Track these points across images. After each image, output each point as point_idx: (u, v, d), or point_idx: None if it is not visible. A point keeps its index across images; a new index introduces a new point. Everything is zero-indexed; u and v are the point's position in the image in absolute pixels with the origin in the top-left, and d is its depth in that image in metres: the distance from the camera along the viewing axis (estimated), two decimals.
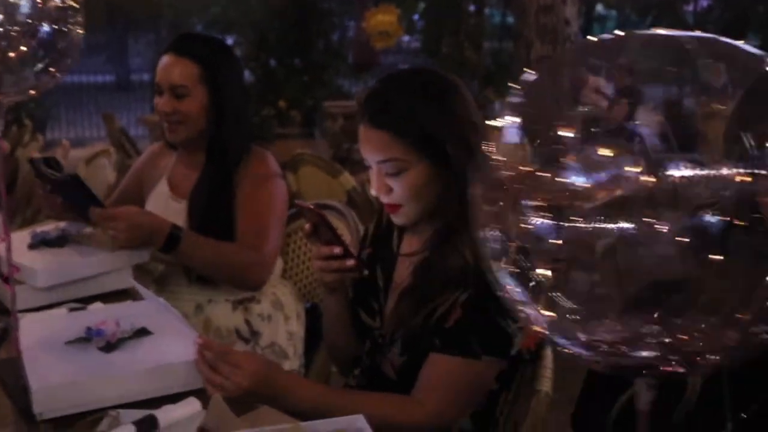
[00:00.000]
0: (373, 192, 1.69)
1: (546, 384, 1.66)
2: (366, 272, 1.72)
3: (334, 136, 6.62)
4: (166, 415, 1.45)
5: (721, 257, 0.75)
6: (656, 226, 0.75)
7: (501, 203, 0.83)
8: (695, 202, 0.75)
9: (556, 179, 0.78)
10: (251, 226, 2.29)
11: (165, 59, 2.36)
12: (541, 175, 0.79)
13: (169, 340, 1.67)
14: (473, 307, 1.60)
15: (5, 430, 1.55)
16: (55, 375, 1.55)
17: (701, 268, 0.76)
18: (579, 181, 0.77)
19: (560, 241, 0.79)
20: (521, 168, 0.81)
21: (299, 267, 2.74)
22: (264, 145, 2.62)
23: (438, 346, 1.62)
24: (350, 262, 1.67)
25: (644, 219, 0.75)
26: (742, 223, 0.75)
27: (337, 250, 1.66)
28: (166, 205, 2.46)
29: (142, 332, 1.69)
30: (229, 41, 7.30)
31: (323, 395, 1.59)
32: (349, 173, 4.36)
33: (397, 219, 1.71)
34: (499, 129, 0.84)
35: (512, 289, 0.84)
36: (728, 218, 0.75)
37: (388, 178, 1.64)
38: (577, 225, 0.77)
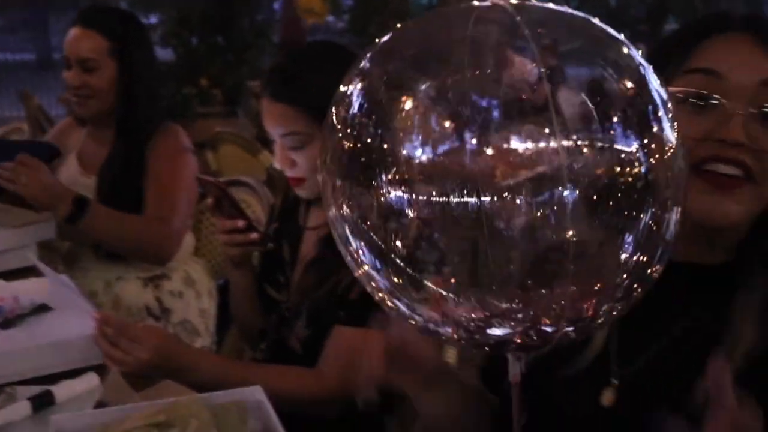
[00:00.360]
0: (276, 166, 1.69)
1: (451, 354, 1.68)
2: (271, 246, 1.72)
3: (257, 116, 6.47)
4: (63, 390, 1.44)
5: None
6: (514, 199, 0.74)
7: (356, 177, 0.80)
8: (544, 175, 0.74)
9: (399, 152, 0.76)
10: (160, 199, 2.27)
11: (73, 32, 2.33)
12: (386, 148, 0.77)
13: (68, 316, 1.65)
14: None
15: None
16: None
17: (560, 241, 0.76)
18: (421, 152, 0.76)
19: (416, 215, 0.77)
20: (362, 141, 0.79)
21: (212, 244, 2.71)
22: (185, 124, 2.60)
23: (342, 318, 1.63)
24: (254, 236, 1.67)
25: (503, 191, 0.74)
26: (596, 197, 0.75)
27: (241, 223, 1.66)
28: (74, 181, 2.42)
29: (42, 308, 1.67)
30: (153, 19, 7.15)
31: (225, 368, 1.59)
32: (270, 152, 4.32)
33: (302, 192, 1.71)
34: (346, 97, 0.81)
35: (369, 267, 0.82)
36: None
37: (292, 152, 1.64)
38: (438, 199, 0.76)
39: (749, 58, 1.01)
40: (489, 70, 0.77)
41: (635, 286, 0.80)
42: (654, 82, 0.79)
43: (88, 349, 1.55)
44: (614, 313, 0.81)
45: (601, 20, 0.84)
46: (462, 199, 0.75)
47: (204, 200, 2.60)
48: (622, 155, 0.75)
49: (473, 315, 0.80)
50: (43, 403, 1.40)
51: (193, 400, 1.27)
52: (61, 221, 2.20)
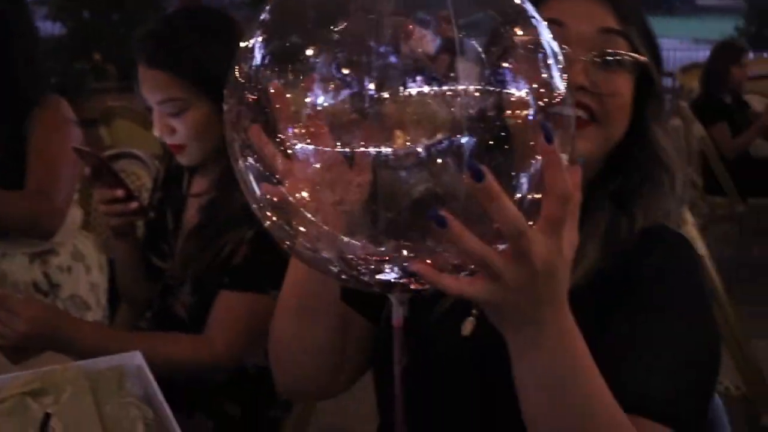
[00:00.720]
0: (156, 133, 1.68)
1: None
2: (152, 215, 1.72)
3: None
4: None
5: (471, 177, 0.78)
6: (409, 146, 0.77)
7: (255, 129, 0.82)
8: (441, 122, 0.77)
9: (304, 99, 0.78)
10: (42, 172, 2.22)
11: None
12: (288, 97, 0.79)
13: None
14: (259, 244, 1.62)
15: None
16: None
17: (452, 188, 0.78)
18: (320, 100, 0.78)
19: (318, 165, 0.79)
20: (270, 90, 0.80)
21: (103, 218, 2.68)
22: (78, 99, 2.55)
23: (226, 283, 1.64)
24: (133, 205, 1.67)
25: (398, 140, 0.77)
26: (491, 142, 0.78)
27: (119, 193, 1.65)
28: None
29: None
30: None
31: (107, 337, 1.59)
32: None
33: (182, 159, 1.71)
34: (248, 51, 0.83)
35: (269, 214, 0.85)
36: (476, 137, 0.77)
37: (170, 119, 1.64)
38: (337, 150, 0.78)
39: (587, 10, 1.11)
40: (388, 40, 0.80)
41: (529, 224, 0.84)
42: (546, 35, 0.84)
43: None
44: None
45: None
46: (363, 149, 0.78)
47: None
48: (512, 98, 0.79)
49: (364, 255, 0.82)
50: None
51: (69, 368, 1.26)
52: None
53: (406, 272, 0.83)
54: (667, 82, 12.51)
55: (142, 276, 1.86)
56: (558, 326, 0.85)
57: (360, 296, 1.09)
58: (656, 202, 1.13)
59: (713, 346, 1.09)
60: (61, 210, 2.27)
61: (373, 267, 0.84)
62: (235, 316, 1.63)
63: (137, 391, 1.27)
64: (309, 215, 0.83)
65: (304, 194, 0.83)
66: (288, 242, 0.86)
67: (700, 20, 31.82)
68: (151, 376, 1.28)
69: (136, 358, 1.34)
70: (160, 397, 1.22)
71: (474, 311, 1.13)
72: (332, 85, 0.78)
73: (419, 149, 0.77)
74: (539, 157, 0.80)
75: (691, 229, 2.15)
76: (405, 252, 0.82)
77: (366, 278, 0.85)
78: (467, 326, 1.14)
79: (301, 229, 0.84)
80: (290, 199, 0.83)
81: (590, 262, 1.07)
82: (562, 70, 0.84)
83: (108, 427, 1.14)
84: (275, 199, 0.84)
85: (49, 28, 6.88)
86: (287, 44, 0.82)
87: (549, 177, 0.78)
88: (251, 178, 0.85)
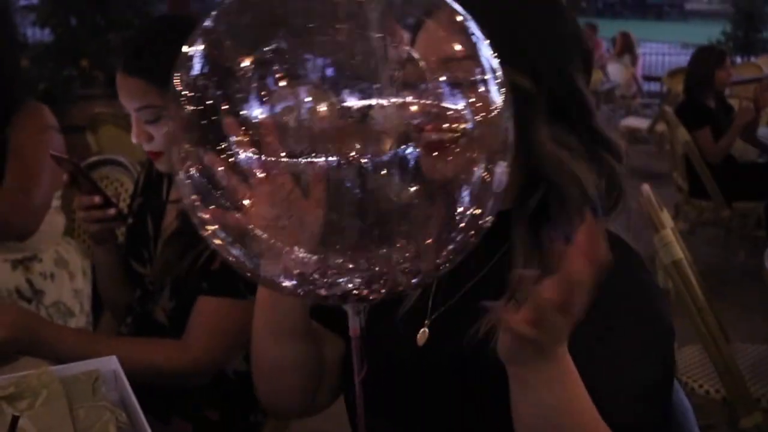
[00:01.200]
0: (133, 140, 1.69)
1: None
2: (130, 220, 1.73)
3: None
4: None
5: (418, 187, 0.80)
6: (357, 158, 0.78)
7: (202, 140, 0.82)
8: (384, 133, 0.78)
9: (239, 112, 0.78)
10: (19, 174, 2.21)
11: None
12: (225, 108, 0.79)
13: None
14: None
15: None
16: None
17: (403, 198, 0.80)
18: (257, 113, 0.78)
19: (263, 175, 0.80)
20: (206, 102, 0.80)
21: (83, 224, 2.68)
22: (65, 106, 2.55)
23: (205, 288, 1.65)
24: (111, 211, 1.68)
25: (347, 152, 0.77)
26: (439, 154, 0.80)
27: (97, 199, 1.66)
28: None
29: None
30: (33, 0, 6.93)
31: (86, 342, 1.60)
32: None
33: (160, 166, 1.72)
34: (189, 59, 0.84)
35: (212, 227, 0.85)
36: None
37: (147, 126, 1.65)
38: (284, 160, 0.78)
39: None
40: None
41: (470, 235, 0.86)
42: (485, 51, 0.85)
43: None
44: (449, 263, 0.86)
45: None
46: (309, 160, 0.78)
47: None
48: (449, 112, 0.81)
49: (316, 269, 0.83)
50: None
51: (45, 372, 1.27)
52: None
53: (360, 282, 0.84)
54: (656, 86, 12.60)
55: (122, 281, 1.87)
56: (566, 360, 0.89)
57: (330, 312, 1.09)
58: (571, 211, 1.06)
59: (665, 349, 1.06)
60: (38, 210, 2.26)
61: (327, 280, 0.84)
62: (214, 321, 1.64)
63: (112, 396, 1.28)
64: (259, 232, 0.83)
65: (257, 210, 0.82)
66: (232, 258, 0.86)
67: (688, 25, 31.96)
68: (126, 381, 1.29)
69: (111, 363, 1.34)
70: (135, 401, 1.23)
71: (426, 321, 1.15)
72: (271, 95, 0.78)
73: (365, 161, 0.78)
74: (476, 171, 0.82)
75: (668, 233, 2.17)
76: (362, 261, 0.83)
77: (322, 291, 0.85)
78: (421, 336, 1.15)
79: (251, 246, 0.84)
80: (239, 217, 0.82)
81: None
82: (500, 85, 0.85)
83: (80, 430, 1.15)
84: (225, 222, 0.84)
85: (37, 34, 6.88)
86: (227, 54, 0.82)
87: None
88: (192, 191, 0.84)
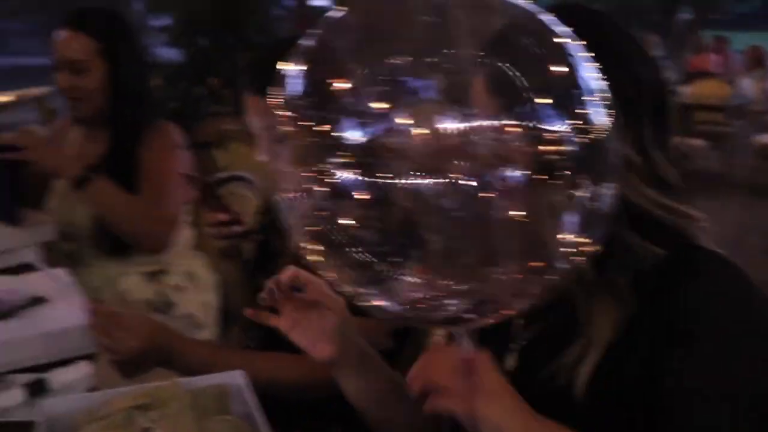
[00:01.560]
0: (260, 158, 1.72)
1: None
2: (257, 237, 1.76)
3: None
4: (56, 378, 1.49)
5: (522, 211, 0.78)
6: (462, 181, 0.77)
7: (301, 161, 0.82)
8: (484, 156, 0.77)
9: (333, 134, 0.78)
10: (152, 189, 2.31)
11: (61, 34, 2.35)
12: (321, 130, 0.79)
13: (62, 308, 1.70)
14: None
15: None
16: None
17: (509, 221, 0.78)
18: (354, 135, 0.78)
19: (368, 197, 0.79)
20: (300, 123, 0.81)
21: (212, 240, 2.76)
22: (194, 124, 2.64)
23: None
24: (236, 228, 1.71)
25: (451, 174, 0.76)
26: (542, 177, 0.78)
27: (223, 216, 1.70)
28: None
29: (37, 301, 1.72)
30: (167, 21, 7.18)
31: (215, 355, 1.63)
32: None
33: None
34: (284, 77, 0.83)
35: (314, 249, 0.85)
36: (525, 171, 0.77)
37: (274, 144, 1.68)
38: (389, 180, 0.77)
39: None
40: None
41: (578, 260, 0.84)
42: (584, 70, 0.83)
43: (81, 339, 1.60)
44: (558, 286, 0.85)
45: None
46: (408, 181, 0.78)
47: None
48: (550, 135, 0.79)
49: (425, 294, 0.82)
50: (37, 390, 1.46)
51: (175, 384, 1.31)
52: (71, 186, 2.24)
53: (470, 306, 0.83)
54: None
55: (250, 296, 1.91)
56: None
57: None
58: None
59: None
60: (171, 221, 2.34)
61: (435, 303, 0.83)
62: None
63: (238, 410, 1.31)
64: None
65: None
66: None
67: None
68: (252, 396, 1.32)
69: (238, 377, 1.37)
70: (261, 416, 1.25)
71: (512, 345, 1.13)
72: (369, 117, 0.78)
73: (465, 182, 0.77)
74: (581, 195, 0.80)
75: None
76: (471, 284, 0.81)
77: (432, 314, 0.84)
78: (510, 361, 1.13)
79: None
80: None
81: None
82: (604, 106, 0.83)
83: None
84: None
85: (170, 54, 7.12)
86: (326, 75, 0.81)
87: None
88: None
